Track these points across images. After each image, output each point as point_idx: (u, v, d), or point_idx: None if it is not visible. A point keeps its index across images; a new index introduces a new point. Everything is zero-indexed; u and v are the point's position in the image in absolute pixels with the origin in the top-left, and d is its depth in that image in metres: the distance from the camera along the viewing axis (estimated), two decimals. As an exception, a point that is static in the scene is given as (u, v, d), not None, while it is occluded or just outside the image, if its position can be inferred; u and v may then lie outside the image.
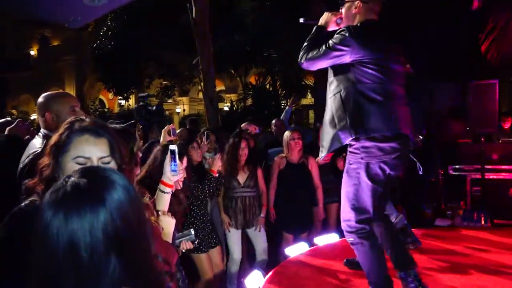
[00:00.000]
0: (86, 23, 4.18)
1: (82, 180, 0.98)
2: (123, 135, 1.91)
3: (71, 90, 24.23)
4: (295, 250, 3.58)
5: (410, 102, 2.90)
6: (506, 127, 6.45)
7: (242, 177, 4.12)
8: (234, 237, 4.11)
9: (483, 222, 4.70)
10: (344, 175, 2.54)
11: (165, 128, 3.27)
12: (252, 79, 14.64)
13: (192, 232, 2.51)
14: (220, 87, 21.08)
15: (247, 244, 4.37)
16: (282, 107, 11.93)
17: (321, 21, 2.64)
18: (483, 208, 5.03)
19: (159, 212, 2.15)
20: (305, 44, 2.55)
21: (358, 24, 2.49)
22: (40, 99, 2.32)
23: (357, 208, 2.48)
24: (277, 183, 4.34)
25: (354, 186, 2.47)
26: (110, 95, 18.20)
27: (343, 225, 2.58)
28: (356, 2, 2.53)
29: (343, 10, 2.61)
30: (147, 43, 13.30)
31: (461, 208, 5.17)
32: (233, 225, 4.08)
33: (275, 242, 4.49)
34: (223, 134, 5.40)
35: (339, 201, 4.75)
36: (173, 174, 2.15)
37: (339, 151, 4.74)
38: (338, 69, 2.49)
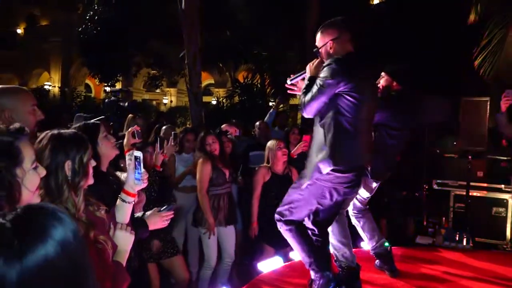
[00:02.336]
0: None
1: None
2: (73, 142, 1.66)
3: (56, 73, 23.64)
4: (268, 265, 3.37)
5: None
6: (504, 144, 6.28)
7: (227, 172, 3.98)
8: (211, 241, 3.87)
9: (465, 243, 4.58)
10: (297, 182, 2.79)
11: (129, 129, 3.01)
12: (241, 76, 14.38)
13: (172, 202, 2.41)
14: (209, 80, 20.78)
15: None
16: (270, 105, 11.74)
17: (309, 73, 2.72)
18: (465, 228, 4.91)
19: (118, 226, 1.93)
20: (303, 92, 2.63)
21: (341, 57, 2.55)
22: None
23: (291, 212, 2.76)
24: (260, 195, 4.11)
25: (300, 195, 2.70)
26: (97, 81, 17.72)
27: (276, 216, 2.85)
28: (328, 44, 2.63)
29: (322, 55, 2.70)
30: (136, 31, 12.91)
31: (443, 227, 5.03)
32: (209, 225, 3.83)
33: (253, 254, 4.30)
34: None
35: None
36: (137, 182, 2.01)
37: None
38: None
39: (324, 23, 2.69)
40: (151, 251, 3.39)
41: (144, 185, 2.04)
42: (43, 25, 25.16)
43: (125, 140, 2.99)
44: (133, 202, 2.06)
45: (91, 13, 13.37)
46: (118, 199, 2.03)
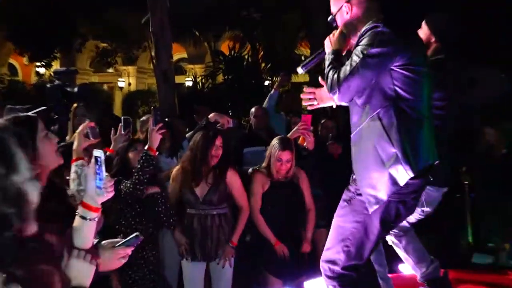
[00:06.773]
0: None
1: None
2: None
3: (-31, 51, 23.50)
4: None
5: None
6: None
7: (202, 189, 3.91)
8: (192, 271, 3.92)
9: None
10: (345, 206, 2.57)
11: (79, 129, 2.96)
12: (225, 47, 14.42)
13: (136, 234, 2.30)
14: (181, 54, 20.80)
15: (209, 281, 4.16)
16: (267, 85, 11.81)
17: (333, 46, 2.64)
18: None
19: (73, 253, 1.91)
20: (329, 70, 2.53)
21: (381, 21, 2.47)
22: None
23: (350, 252, 2.53)
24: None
25: (356, 223, 2.50)
26: (25, 60, 17.64)
27: (324, 267, 2.61)
28: (343, 7, 2.57)
29: (339, 24, 2.65)
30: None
31: (507, 241, 5.09)
32: (189, 255, 3.90)
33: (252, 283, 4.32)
34: (180, 127, 5.19)
35: (328, 226, 4.77)
36: (99, 192, 1.96)
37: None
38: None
39: None
40: None
41: (109, 195, 2.02)
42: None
43: (74, 144, 2.93)
44: (96, 219, 2.03)
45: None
46: (77, 217, 2.01)
